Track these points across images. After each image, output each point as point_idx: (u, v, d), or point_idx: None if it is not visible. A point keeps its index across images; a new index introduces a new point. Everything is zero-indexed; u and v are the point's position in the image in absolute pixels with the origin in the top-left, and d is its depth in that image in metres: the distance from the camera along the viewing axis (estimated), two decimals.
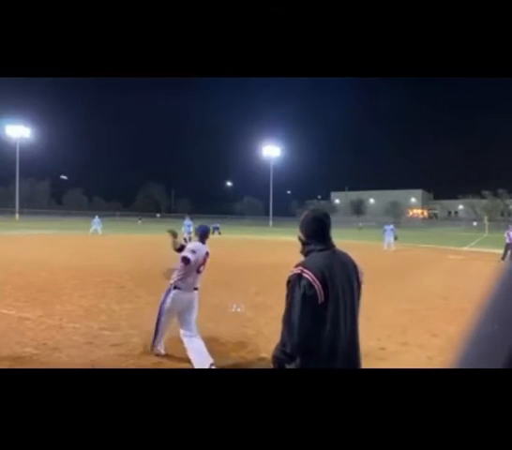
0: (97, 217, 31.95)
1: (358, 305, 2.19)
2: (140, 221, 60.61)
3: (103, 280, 9.47)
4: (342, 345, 2.04)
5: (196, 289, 4.56)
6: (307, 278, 2.00)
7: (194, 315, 4.55)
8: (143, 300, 7.44)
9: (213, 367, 4.23)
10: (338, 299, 2.04)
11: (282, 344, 2.04)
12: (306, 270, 2.04)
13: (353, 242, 26.51)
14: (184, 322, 4.51)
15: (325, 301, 1.98)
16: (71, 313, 6.39)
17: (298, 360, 2.01)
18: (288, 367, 2.03)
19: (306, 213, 2.41)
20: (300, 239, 2.31)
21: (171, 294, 4.42)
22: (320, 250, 2.19)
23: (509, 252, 15.68)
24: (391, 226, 21.60)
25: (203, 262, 4.60)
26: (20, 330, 5.39)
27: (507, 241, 15.93)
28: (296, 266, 2.11)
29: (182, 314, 4.50)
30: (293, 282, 2.04)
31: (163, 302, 4.47)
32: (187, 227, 23.34)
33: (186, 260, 4.35)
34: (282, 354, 2.04)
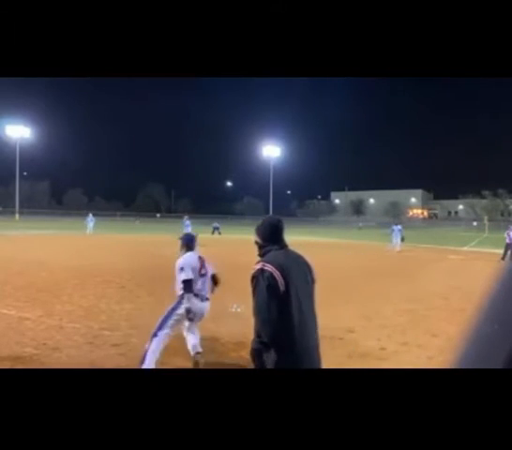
0: (91, 214, 31.78)
1: (313, 296, 2.48)
2: (137, 221, 60.24)
3: (103, 280, 9.47)
4: (307, 327, 2.35)
5: (208, 299, 4.58)
6: (268, 271, 2.27)
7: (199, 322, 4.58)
8: (143, 300, 7.44)
9: (198, 357, 4.33)
10: (297, 287, 2.32)
11: (258, 335, 2.25)
12: (267, 264, 2.32)
13: (354, 242, 26.51)
14: (190, 326, 4.53)
15: (287, 289, 2.26)
16: (71, 313, 6.39)
17: (274, 346, 2.22)
18: (265, 356, 2.22)
19: (262, 220, 2.67)
20: (257, 243, 2.59)
21: (183, 301, 4.32)
22: (276, 249, 2.49)
23: (509, 252, 15.69)
24: (399, 226, 21.19)
25: (201, 266, 4.52)
26: (20, 330, 5.39)
27: (507, 241, 15.93)
28: (257, 264, 2.38)
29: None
30: (257, 277, 2.30)
31: (174, 308, 4.34)
32: (186, 227, 23.37)
33: (186, 282, 4.29)
34: (260, 345, 2.23)
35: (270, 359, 2.21)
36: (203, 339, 5.03)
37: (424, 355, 4.77)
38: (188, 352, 4.53)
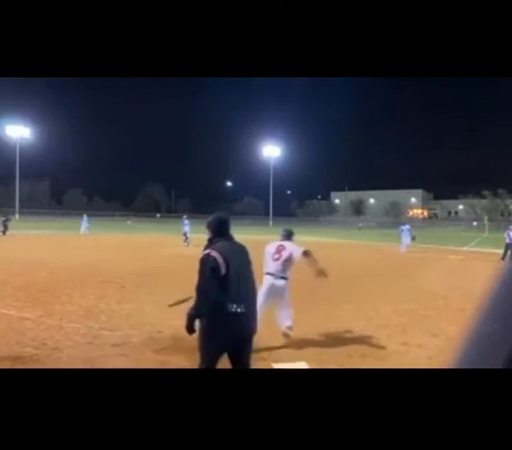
0: (85, 215, 31.50)
1: (252, 277, 3.17)
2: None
3: (103, 280, 9.47)
4: (242, 299, 2.94)
5: (283, 277, 5.29)
6: (213, 256, 2.84)
7: (285, 302, 5.33)
8: (143, 300, 7.44)
9: (287, 330, 5.25)
10: (237, 270, 2.92)
11: (195, 306, 2.85)
12: (213, 251, 2.90)
13: (354, 242, 26.52)
14: (278, 303, 5.33)
15: (227, 271, 2.84)
16: (71, 313, 6.38)
17: (210, 312, 2.82)
18: (197, 321, 2.87)
19: (213, 216, 3.20)
20: (209, 236, 3.11)
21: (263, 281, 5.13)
22: (223, 241, 3.04)
23: (509, 252, 15.69)
24: (408, 226, 20.60)
25: (275, 252, 5.34)
26: (20, 330, 5.39)
27: (507, 241, 15.93)
28: (205, 249, 2.97)
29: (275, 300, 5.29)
30: (205, 260, 2.87)
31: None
32: (184, 226, 23.31)
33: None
34: (194, 311, 2.87)
35: (203, 322, 2.85)
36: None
37: (424, 355, 4.77)
38: (188, 351, 4.53)
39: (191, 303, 2.92)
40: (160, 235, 26.74)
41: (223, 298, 2.85)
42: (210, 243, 3.03)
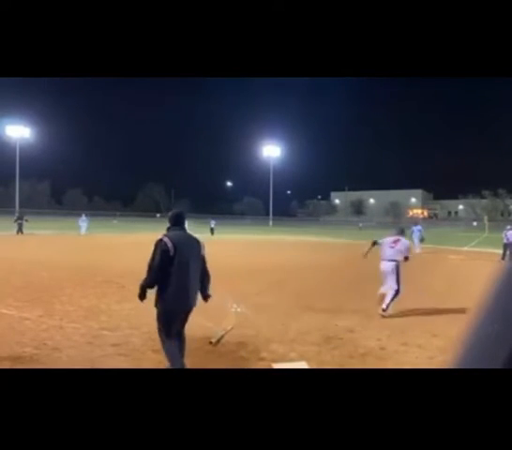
0: (84, 215, 31.31)
1: (199, 265, 3.93)
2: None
3: (103, 280, 9.47)
4: (185, 283, 3.75)
5: (393, 260, 7.00)
6: (165, 241, 3.68)
7: (391, 280, 7.04)
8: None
9: (380, 296, 7.26)
10: (184, 254, 3.72)
11: (145, 279, 3.78)
12: (165, 237, 3.74)
13: (353, 242, 26.52)
14: (384, 280, 7.15)
15: (174, 254, 3.64)
16: (71, 313, 6.39)
17: (159, 286, 3.70)
18: (147, 291, 3.81)
19: (172, 211, 4.21)
20: (167, 226, 4.00)
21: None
22: (176, 230, 3.92)
23: (508, 252, 15.70)
24: (419, 226, 19.96)
25: (394, 242, 7.08)
26: (20, 330, 5.39)
27: (505, 241, 15.97)
28: (161, 236, 3.80)
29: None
30: (157, 244, 3.73)
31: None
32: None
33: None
34: (144, 283, 3.79)
35: (156, 298, 3.77)
36: (202, 339, 5.03)
37: (424, 355, 4.77)
38: (188, 351, 4.54)
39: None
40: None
41: (170, 276, 3.70)
42: (167, 231, 3.94)
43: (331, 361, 4.56)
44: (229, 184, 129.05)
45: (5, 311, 6.34)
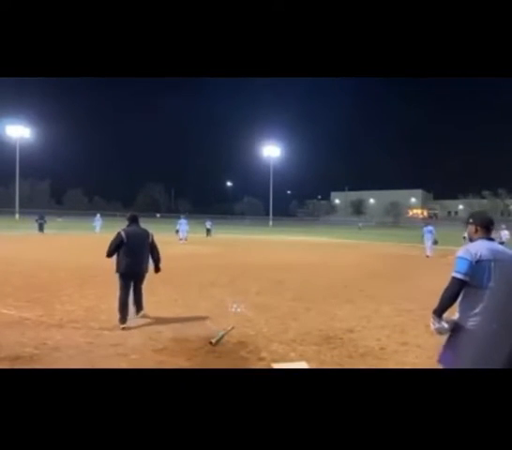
0: (98, 215, 33.07)
1: (146, 247, 6.10)
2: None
3: (103, 280, 9.46)
4: (133, 258, 5.91)
5: None
6: (120, 232, 5.91)
7: None
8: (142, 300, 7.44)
9: None
10: (132, 241, 5.89)
11: (107, 251, 5.95)
12: (122, 230, 5.95)
13: (353, 242, 26.48)
14: None
15: (127, 241, 5.85)
16: (71, 313, 6.38)
17: (116, 260, 6.02)
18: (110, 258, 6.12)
19: (129, 213, 6.38)
20: (127, 223, 6.18)
21: None
22: (131, 226, 6.11)
23: None
24: (430, 227, 17.99)
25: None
26: (20, 330, 5.39)
27: (498, 241, 16.03)
28: (119, 230, 6.02)
29: None
30: (116, 234, 5.94)
31: None
32: (180, 225, 24.06)
33: None
34: (106, 254, 5.95)
35: (116, 264, 6.04)
36: (202, 340, 5.03)
37: (424, 355, 4.77)
38: (188, 351, 4.53)
39: None
40: (160, 235, 26.71)
41: (124, 254, 5.93)
42: (126, 226, 6.14)
43: (331, 361, 4.56)
44: (229, 184, 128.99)
45: (5, 311, 6.33)
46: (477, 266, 2.90)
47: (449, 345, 2.90)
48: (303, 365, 4.40)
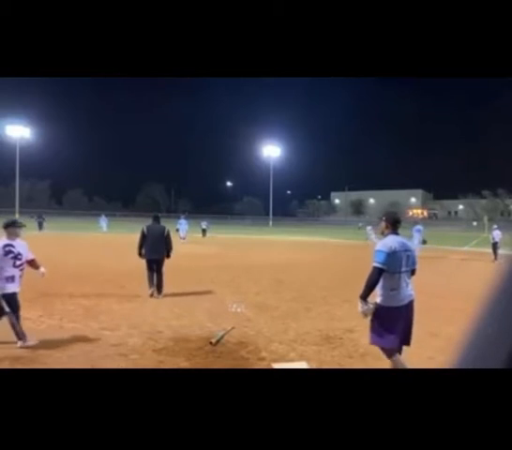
0: (103, 215, 34.99)
1: (162, 239, 8.02)
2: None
3: (103, 280, 9.47)
4: (152, 247, 7.91)
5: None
6: (143, 227, 8.10)
7: None
8: (143, 300, 7.44)
9: None
10: (151, 234, 7.96)
11: (138, 249, 8.11)
12: (145, 226, 8.23)
13: (353, 242, 26.50)
14: None
15: (147, 234, 7.93)
16: (71, 313, 6.39)
17: (141, 249, 8.05)
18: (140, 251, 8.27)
19: (153, 214, 8.67)
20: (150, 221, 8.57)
21: None
22: (152, 223, 8.28)
23: (498, 251, 15.90)
24: (418, 226, 17.03)
25: None
26: None
27: (492, 241, 16.14)
28: (143, 226, 8.36)
29: None
30: (141, 230, 8.17)
31: None
32: (180, 225, 24.67)
33: None
34: (138, 248, 8.13)
35: (139, 251, 8.02)
36: (202, 340, 5.04)
37: (424, 355, 4.77)
38: (188, 351, 4.53)
39: None
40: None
41: (146, 244, 7.84)
42: (148, 223, 8.12)
43: (331, 361, 4.56)
44: (229, 184, 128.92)
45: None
46: (392, 256, 3.63)
47: (373, 326, 3.87)
48: (303, 365, 4.40)
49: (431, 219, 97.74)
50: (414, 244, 16.72)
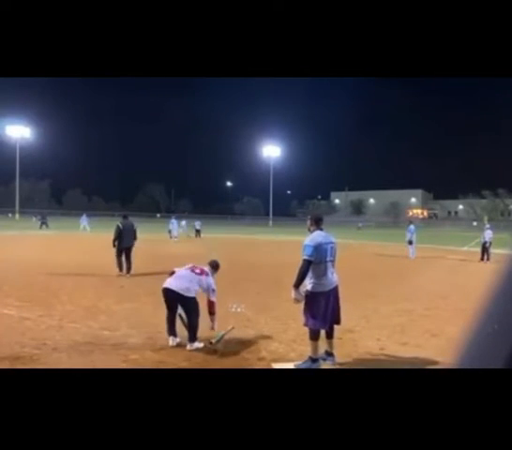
0: (84, 215, 34.52)
1: (133, 233, 10.64)
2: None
3: (103, 280, 9.48)
4: (125, 239, 10.33)
5: None
6: (118, 224, 10.38)
7: None
8: (142, 300, 7.44)
9: None
10: (125, 229, 10.36)
11: (113, 237, 10.46)
12: (119, 223, 10.57)
13: (353, 242, 26.52)
14: None
15: (122, 229, 10.37)
16: (71, 313, 6.39)
17: (116, 241, 10.44)
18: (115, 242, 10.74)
19: (123, 214, 11.67)
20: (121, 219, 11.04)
21: None
22: (123, 220, 10.72)
23: (489, 251, 15.85)
24: (411, 226, 16.96)
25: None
26: (20, 330, 5.39)
27: (482, 240, 16.12)
28: (118, 223, 10.89)
29: None
30: (116, 226, 10.51)
31: None
32: (171, 224, 25.44)
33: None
34: (113, 240, 10.51)
35: (113, 242, 10.32)
36: (202, 340, 5.03)
37: (424, 355, 4.77)
38: (188, 351, 4.53)
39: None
40: (159, 235, 26.82)
41: (120, 238, 10.14)
42: (121, 220, 10.47)
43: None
44: (229, 184, 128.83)
45: (5, 311, 6.34)
46: (318, 248, 4.30)
47: (306, 310, 4.38)
48: None
49: (431, 219, 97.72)
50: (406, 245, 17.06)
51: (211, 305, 5.04)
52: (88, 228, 32.61)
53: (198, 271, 5.07)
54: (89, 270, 10.81)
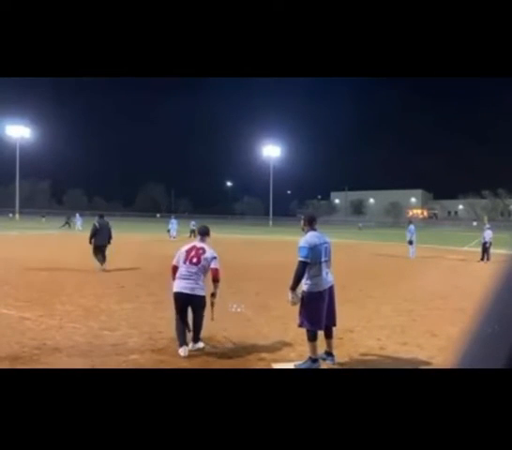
0: (77, 214, 35.26)
1: (108, 231, 11.33)
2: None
3: (103, 280, 9.48)
4: (101, 237, 11.08)
5: None
6: (95, 223, 11.22)
7: None
8: (142, 300, 7.44)
9: None
10: (101, 228, 11.12)
11: (90, 235, 11.28)
12: (96, 222, 11.48)
13: (353, 242, 26.47)
14: None
15: (98, 228, 11.10)
16: (71, 313, 6.38)
17: (93, 238, 11.25)
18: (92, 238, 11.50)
19: (98, 214, 12.42)
20: (96, 218, 11.79)
21: None
22: (99, 219, 11.37)
23: (489, 251, 15.85)
24: (411, 226, 16.87)
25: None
26: (20, 330, 5.39)
27: (482, 241, 16.10)
28: (94, 221, 11.81)
29: None
30: (93, 225, 11.27)
31: None
32: (171, 225, 25.78)
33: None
34: (89, 236, 11.25)
35: (90, 239, 11.09)
36: (202, 340, 5.03)
37: (424, 355, 4.77)
38: (188, 351, 4.53)
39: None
40: (160, 234, 26.84)
41: (96, 234, 10.90)
42: (97, 219, 11.24)
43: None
44: (229, 184, 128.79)
45: (5, 311, 6.34)
46: (314, 249, 4.30)
47: (302, 311, 4.33)
48: None
49: (431, 219, 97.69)
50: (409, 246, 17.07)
51: (215, 272, 4.99)
52: (80, 227, 32.92)
53: (195, 261, 4.91)
54: (89, 270, 10.81)
